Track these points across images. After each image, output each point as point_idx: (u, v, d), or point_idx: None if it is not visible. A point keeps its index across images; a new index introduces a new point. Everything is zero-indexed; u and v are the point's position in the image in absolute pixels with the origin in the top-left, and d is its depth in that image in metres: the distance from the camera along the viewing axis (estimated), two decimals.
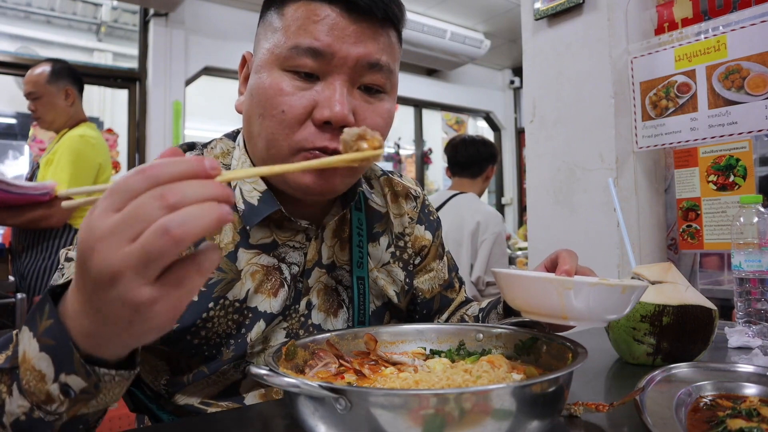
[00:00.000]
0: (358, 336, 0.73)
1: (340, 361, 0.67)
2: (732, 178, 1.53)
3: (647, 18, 1.76)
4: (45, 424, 0.48)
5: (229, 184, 0.61)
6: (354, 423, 0.46)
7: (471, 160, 2.60)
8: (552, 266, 0.78)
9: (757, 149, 1.52)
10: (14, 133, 5.15)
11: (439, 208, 2.51)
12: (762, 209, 1.08)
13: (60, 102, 2.29)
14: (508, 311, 0.90)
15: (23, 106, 2.40)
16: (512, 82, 6.76)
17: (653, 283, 0.90)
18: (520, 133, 6.76)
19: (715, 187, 1.57)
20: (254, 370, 0.50)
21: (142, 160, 4.37)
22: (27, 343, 0.47)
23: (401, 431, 0.45)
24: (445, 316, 1.03)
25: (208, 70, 4.63)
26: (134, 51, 4.54)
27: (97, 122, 5.03)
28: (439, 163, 6.49)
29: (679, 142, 1.58)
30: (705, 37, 1.51)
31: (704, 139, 1.52)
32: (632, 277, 0.94)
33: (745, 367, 0.73)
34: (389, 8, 0.73)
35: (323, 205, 0.85)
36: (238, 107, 0.81)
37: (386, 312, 0.92)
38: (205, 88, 4.80)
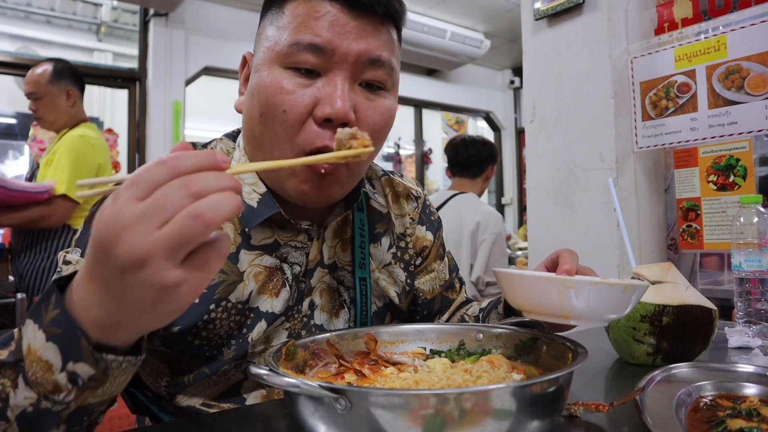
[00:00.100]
0: (358, 336, 0.73)
1: (340, 361, 0.67)
2: (732, 178, 1.53)
3: (647, 18, 1.76)
4: (52, 415, 0.49)
5: None
6: (354, 423, 0.46)
7: (471, 160, 2.60)
8: (553, 266, 0.78)
9: (757, 149, 1.52)
10: (14, 133, 5.15)
11: (438, 208, 2.51)
12: (762, 209, 1.08)
13: (61, 102, 2.29)
14: (509, 311, 0.90)
15: (23, 106, 2.40)
16: (512, 82, 6.76)
17: (653, 283, 0.90)
18: (520, 133, 6.76)
19: (715, 187, 1.57)
20: (254, 369, 0.50)
21: (142, 160, 4.37)
22: (32, 335, 0.48)
23: (401, 431, 0.45)
24: (445, 316, 1.02)
25: (208, 70, 4.62)
26: (134, 51, 4.54)
27: (97, 122, 5.03)
28: (439, 163, 6.49)
29: (679, 142, 1.58)
30: (705, 37, 1.51)
31: (704, 139, 1.52)
32: (632, 277, 0.94)
33: (745, 367, 0.73)
34: (390, 4, 0.73)
35: (326, 206, 0.85)
36: (238, 107, 0.80)
37: (387, 313, 0.91)
38: (205, 88, 4.80)
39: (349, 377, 0.63)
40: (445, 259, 1.05)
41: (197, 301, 0.73)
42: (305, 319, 0.82)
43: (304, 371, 0.65)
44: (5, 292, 2.14)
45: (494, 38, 5.67)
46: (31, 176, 2.35)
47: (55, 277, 0.57)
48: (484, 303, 0.99)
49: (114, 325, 0.46)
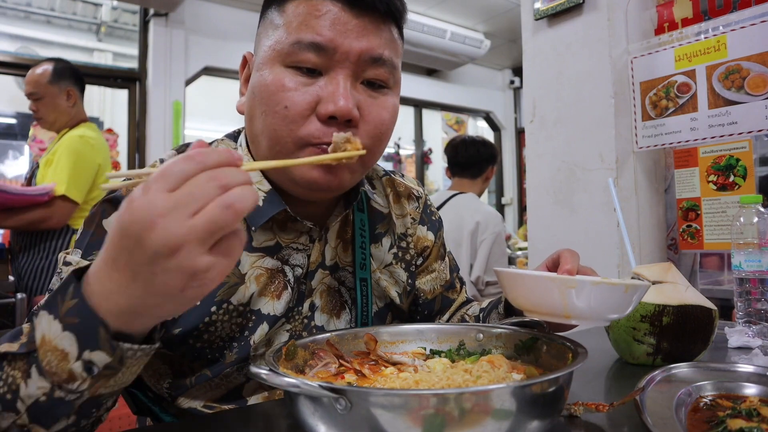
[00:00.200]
0: (358, 336, 0.73)
1: (340, 361, 0.67)
2: (732, 178, 1.53)
3: (647, 18, 1.76)
4: (65, 404, 0.50)
5: None
6: (354, 423, 0.46)
7: (471, 160, 2.60)
8: (553, 266, 0.78)
9: (757, 149, 1.52)
10: (14, 133, 5.14)
11: (438, 208, 2.51)
12: (762, 209, 1.08)
13: (62, 102, 2.29)
14: (509, 311, 0.90)
15: (23, 106, 2.40)
16: (512, 82, 6.76)
17: (653, 283, 0.90)
18: (520, 133, 6.76)
19: (715, 187, 1.57)
20: (254, 369, 0.51)
21: (141, 160, 4.37)
22: (47, 326, 0.49)
23: (401, 431, 0.45)
24: (446, 316, 1.02)
25: (208, 70, 4.62)
26: (134, 51, 4.54)
27: (97, 122, 5.03)
28: (439, 163, 6.49)
29: (679, 142, 1.58)
30: (705, 37, 1.51)
31: (704, 139, 1.52)
32: (632, 277, 0.94)
33: (745, 367, 0.73)
34: (391, 2, 0.73)
35: (327, 206, 0.84)
36: (239, 108, 0.80)
37: (389, 313, 0.91)
38: (205, 88, 4.80)
39: (349, 377, 0.63)
40: (446, 259, 1.05)
41: (198, 302, 0.73)
42: (306, 321, 0.82)
43: (304, 371, 0.65)
44: (5, 292, 2.14)
45: (494, 38, 5.67)
46: (31, 176, 2.34)
47: (73, 268, 0.58)
48: (485, 303, 0.99)
49: (134, 312, 0.47)
